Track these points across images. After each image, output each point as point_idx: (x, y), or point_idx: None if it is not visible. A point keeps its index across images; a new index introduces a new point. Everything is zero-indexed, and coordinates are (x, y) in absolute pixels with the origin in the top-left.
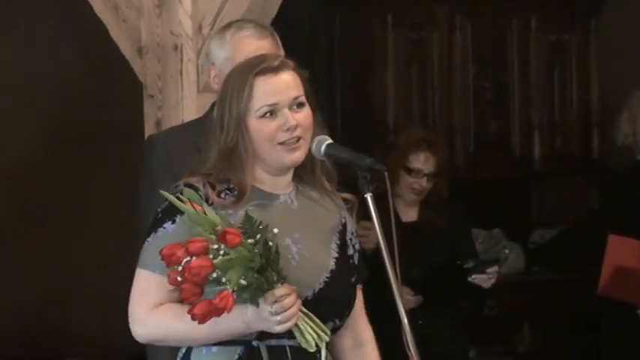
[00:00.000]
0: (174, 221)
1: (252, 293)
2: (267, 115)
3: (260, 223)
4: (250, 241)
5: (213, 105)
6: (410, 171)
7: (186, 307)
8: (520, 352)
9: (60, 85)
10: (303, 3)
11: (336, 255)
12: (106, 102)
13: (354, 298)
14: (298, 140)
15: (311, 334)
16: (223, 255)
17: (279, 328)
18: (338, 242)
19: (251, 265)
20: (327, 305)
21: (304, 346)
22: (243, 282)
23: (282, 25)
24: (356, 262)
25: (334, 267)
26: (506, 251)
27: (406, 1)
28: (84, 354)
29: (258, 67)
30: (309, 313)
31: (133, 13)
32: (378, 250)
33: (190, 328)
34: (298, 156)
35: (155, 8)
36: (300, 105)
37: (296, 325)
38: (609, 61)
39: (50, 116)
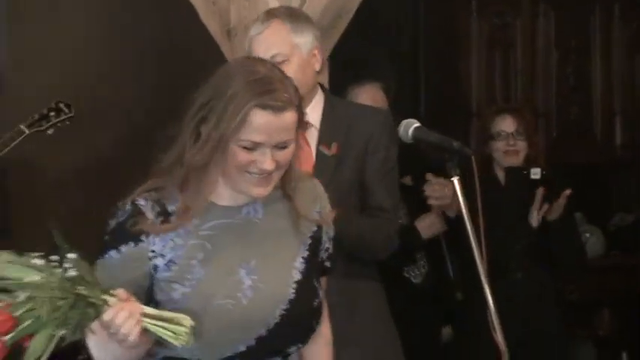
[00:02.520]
0: (119, 250)
1: (76, 325)
2: (249, 147)
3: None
4: (58, 272)
5: None
6: (493, 137)
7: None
8: (600, 336)
9: (147, 68)
10: None
11: (299, 277)
12: (194, 84)
13: (317, 322)
14: (270, 174)
15: (166, 333)
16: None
17: (129, 342)
18: (306, 254)
19: (64, 301)
20: (286, 335)
21: (174, 342)
22: (56, 323)
23: (368, 13)
24: (327, 256)
25: (293, 295)
26: (587, 235)
27: None
28: None
29: (262, 97)
30: (155, 311)
31: None
32: (465, 235)
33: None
34: (263, 192)
35: None
36: (285, 147)
37: (147, 330)
38: None
39: (137, 98)
